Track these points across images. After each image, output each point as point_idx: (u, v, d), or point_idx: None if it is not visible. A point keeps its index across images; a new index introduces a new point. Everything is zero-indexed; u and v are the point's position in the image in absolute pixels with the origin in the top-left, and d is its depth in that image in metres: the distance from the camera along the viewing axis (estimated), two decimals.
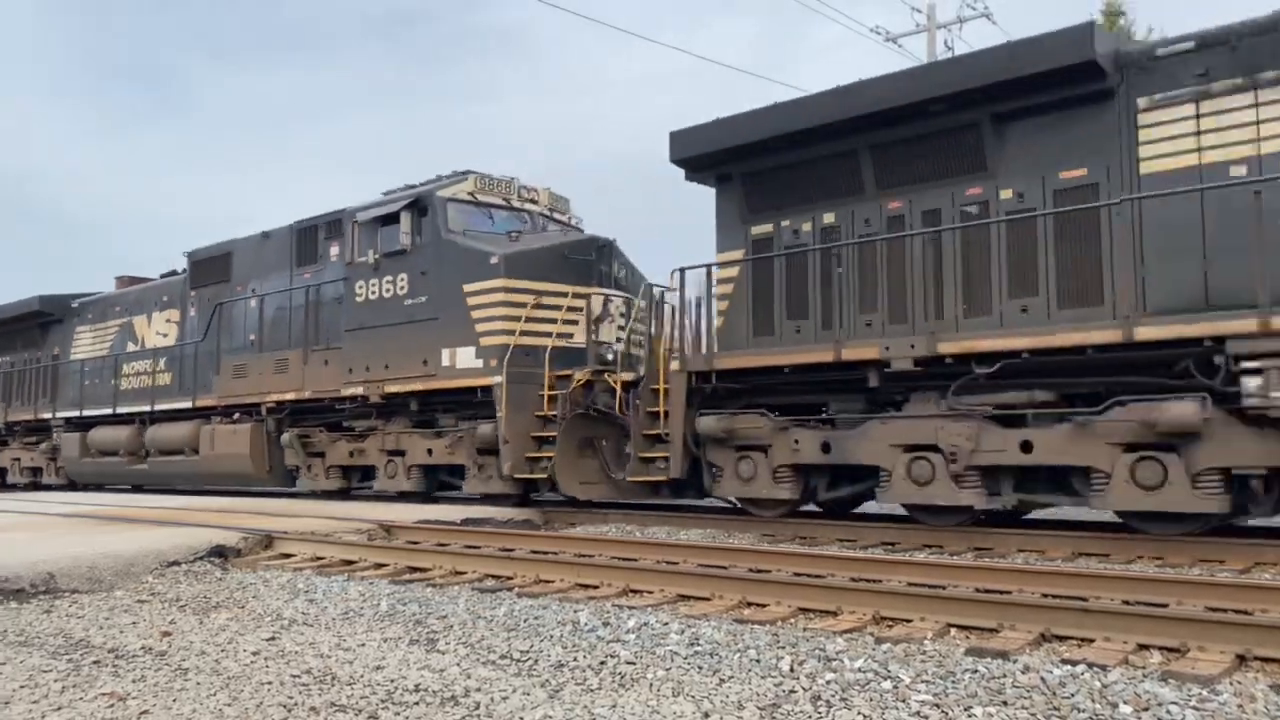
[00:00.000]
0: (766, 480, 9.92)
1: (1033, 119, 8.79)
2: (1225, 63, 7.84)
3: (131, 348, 18.02)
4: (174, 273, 17.97)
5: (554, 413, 11.45)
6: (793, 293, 10.23)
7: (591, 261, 12.61)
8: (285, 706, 3.83)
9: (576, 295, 12.15)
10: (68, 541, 8.32)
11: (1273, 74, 7.60)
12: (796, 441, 9.63)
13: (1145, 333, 7.64)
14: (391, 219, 13.09)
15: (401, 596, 6.25)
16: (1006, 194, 8.96)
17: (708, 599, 5.87)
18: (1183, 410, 7.41)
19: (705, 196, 11.13)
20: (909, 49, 27.54)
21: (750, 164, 10.46)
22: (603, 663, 4.42)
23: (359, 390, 13.36)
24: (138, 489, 18.04)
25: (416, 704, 3.83)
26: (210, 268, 16.48)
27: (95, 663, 4.65)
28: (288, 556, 8.32)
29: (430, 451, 12.88)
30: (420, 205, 12.92)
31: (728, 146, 10.41)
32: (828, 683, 3.98)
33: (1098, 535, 8.36)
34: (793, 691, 3.89)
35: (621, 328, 12.37)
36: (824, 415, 9.66)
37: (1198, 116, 7.95)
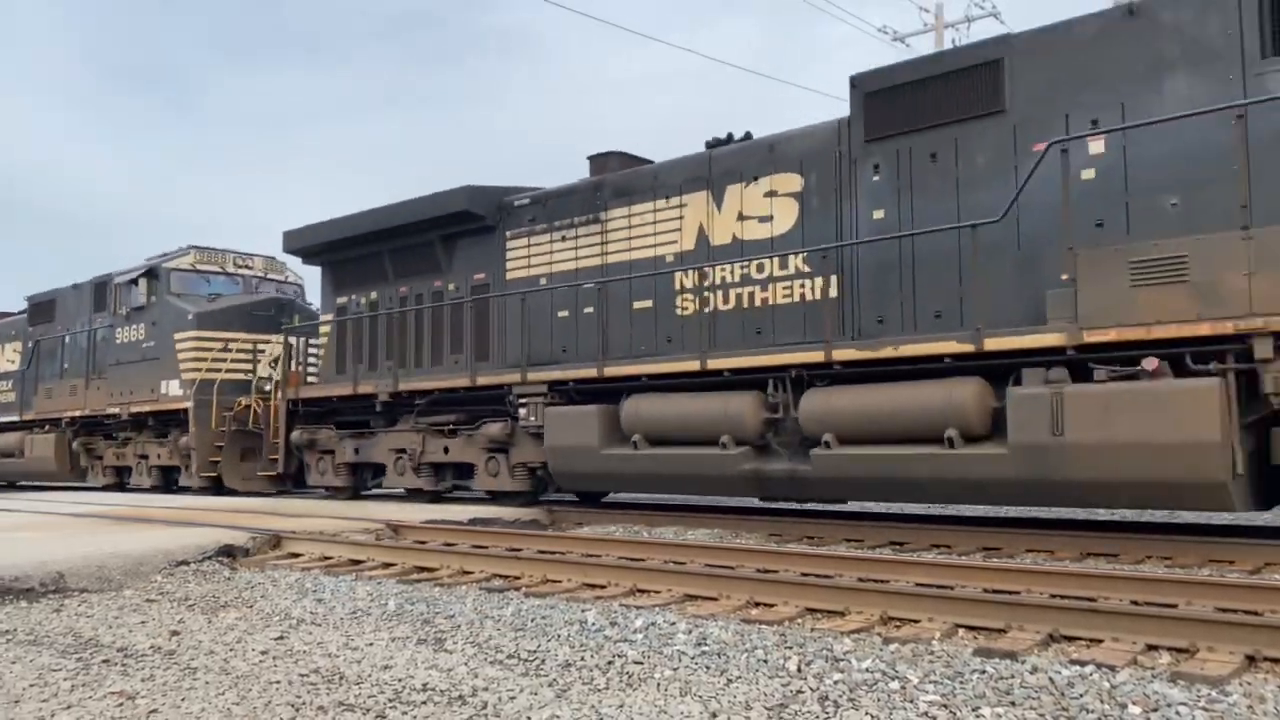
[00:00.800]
0: (332, 474, 14.27)
1: (461, 240, 13.24)
2: (541, 213, 12.33)
3: None
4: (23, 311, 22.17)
5: (223, 428, 15.63)
6: (353, 345, 14.59)
7: (273, 315, 16.75)
8: (293, 706, 3.84)
9: (257, 342, 16.45)
10: (77, 541, 8.35)
11: (560, 222, 12.11)
12: (347, 448, 13.95)
13: (482, 380, 12.17)
14: (135, 282, 17.61)
15: (409, 596, 6.26)
16: (451, 287, 13.38)
17: (715, 599, 5.87)
18: (499, 429, 11.83)
19: None
20: (917, 48, 27.49)
21: (332, 256, 14.90)
22: (610, 662, 4.42)
23: (116, 410, 17.86)
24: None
25: (424, 703, 3.84)
26: (41, 310, 20.66)
27: (104, 661, 4.66)
28: (296, 556, 8.34)
29: (160, 456, 17.48)
30: (153, 273, 17.44)
31: (318, 243, 14.87)
32: (835, 683, 3.98)
33: (1106, 535, 8.34)
34: (800, 692, 3.89)
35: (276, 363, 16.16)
36: (365, 429, 13.83)
37: (529, 245, 12.42)
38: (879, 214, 9.33)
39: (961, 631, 4.89)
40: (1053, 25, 8.44)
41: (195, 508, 12.15)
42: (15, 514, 11.93)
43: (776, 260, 9.96)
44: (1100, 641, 4.50)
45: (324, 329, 15.11)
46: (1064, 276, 7.76)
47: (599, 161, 12.42)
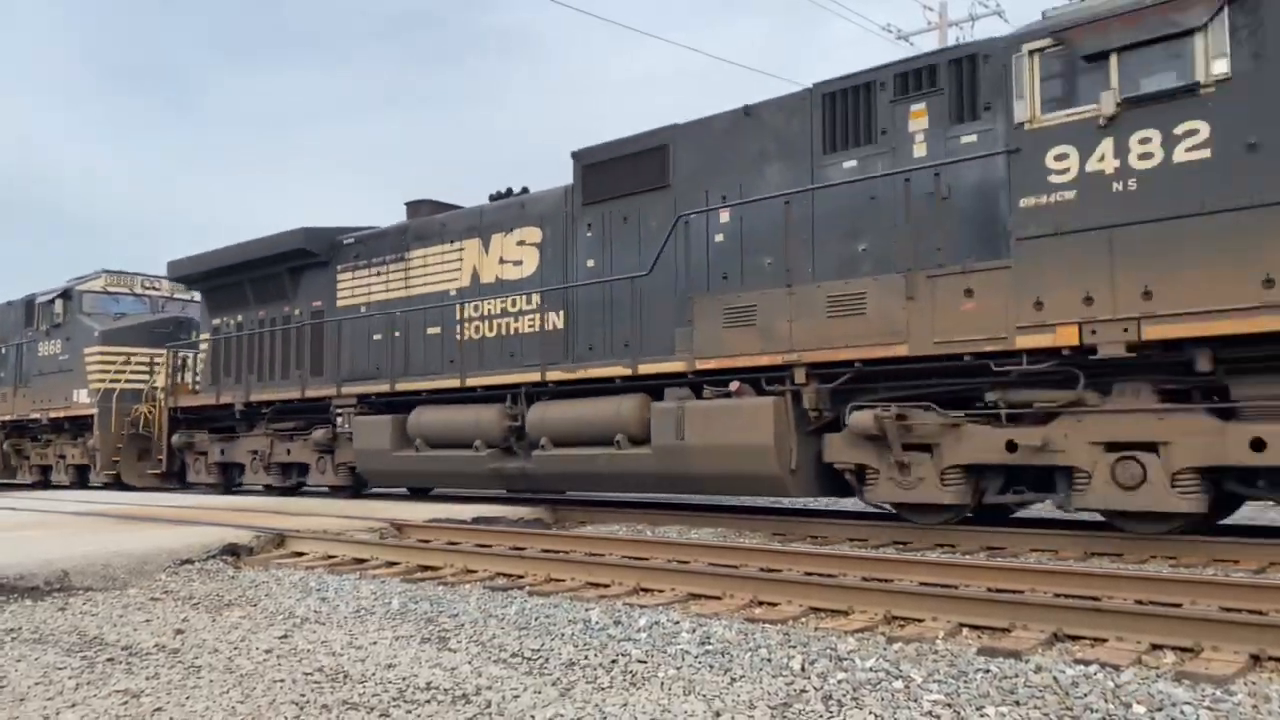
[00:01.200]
0: (205, 472, 16.73)
1: (304, 272, 15.20)
2: (363, 251, 14.36)
3: None
4: None
5: (123, 432, 17.78)
6: (224, 361, 16.52)
7: (172, 332, 18.70)
8: (297, 704, 3.84)
9: (154, 356, 18.19)
10: (81, 540, 8.37)
11: (376, 259, 14.17)
12: (215, 449, 16.37)
13: (310, 393, 14.53)
14: (53, 302, 19.85)
15: (413, 595, 6.26)
16: (296, 312, 15.30)
17: (719, 598, 5.87)
18: (323, 434, 14.15)
19: None
20: (920, 47, 27.49)
21: (208, 283, 16.94)
22: (614, 661, 4.42)
23: (38, 415, 20.30)
24: None
25: (428, 702, 3.84)
26: None
27: (109, 660, 4.67)
28: (300, 555, 8.35)
29: (74, 455, 19.59)
30: (68, 294, 19.69)
31: (196, 272, 16.94)
32: (839, 682, 3.98)
33: (1110, 535, 8.33)
34: (804, 691, 3.89)
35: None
36: (230, 434, 16.23)
37: (354, 278, 14.44)
38: (591, 263, 11.54)
39: (965, 631, 4.89)
40: (702, 119, 10.61)
41: (199, 506, 12.17)
42: (19, 513, 11.96)
43: (523, 297, 12.26)
44: (1104, 641, 4.50)
45: (203, 345, 17.26)
46: (688, 319, 10.14)
47: (413, 207, 14.57)
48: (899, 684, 3.92)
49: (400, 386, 13.19)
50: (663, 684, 4.03)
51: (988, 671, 4.04)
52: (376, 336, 13.78)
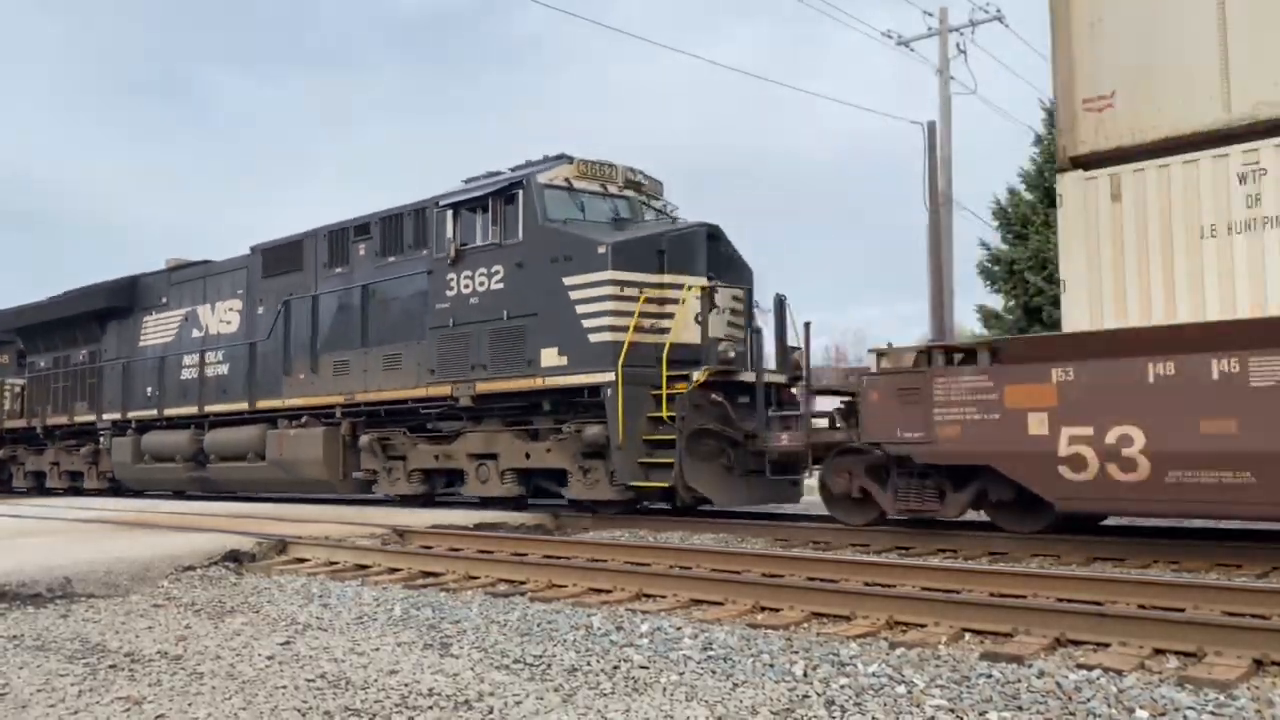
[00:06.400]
0: (21, 478, 20.76)
1: (111, 321, 18.23)
2: (155, 302, 17.36)
3: None
4: None
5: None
6: (34, 392, 20.09)
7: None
8: (300, 711, 3.84)
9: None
10: (84, 547, 8.37)
11: (162, 301, 17.34)
12: (28, 461, 20.46)
13: (79, 419, 18.73)
14: None
15: (415, 601, 6.26)
16: (86, 354, 18.74)
17: (721, 604, 5.86)
18: (89, 449, 18.47)
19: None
20: (921, 53, 27.49)
21: (24, 328, 20.38)
22: (616, 667, 4.42)
23: None
24: None
25: (430, 708, 3.84)
26: None
27: (111, 667, 4.67)
28: (302, 561, 8.34)
29: None
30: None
31: (11, 326, 20.80)
32: (841, 688, 3.97)
33: (1113, 540, 8.33)
34: (806, 696, 3.88)
35: None
36: (41, 448, 20.22)
37: (154, 319, 17.45)
38: (253, 327, 15.48)
39: (968, 636, 4.88)
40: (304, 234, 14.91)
41: (202, 513, 12.16)
42: (21, 519, 11.96)
43: (213, 352, 16.14)
44: (1107, 646, 4.49)
45: (20, 381, 20.76)
46: (300, 375, 14.33)
47: (171, 263, 17.90)
48: (902, 689, 3.92)
49: (130, 415, 17.60)
50: (665, 690, 4.03)
51: (990, 677, 4.03)
52: (143, 373, 17.60)
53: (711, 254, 11.52)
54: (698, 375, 10.58)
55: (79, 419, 18.67)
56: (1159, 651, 4.39)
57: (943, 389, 8.37)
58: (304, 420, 14.07)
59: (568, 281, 11.10)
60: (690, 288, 11.03)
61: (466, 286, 12.13)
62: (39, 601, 6.56)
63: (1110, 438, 7.44)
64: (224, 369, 15.73)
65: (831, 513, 9.89)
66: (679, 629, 5.14)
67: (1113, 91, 8.13)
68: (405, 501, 13.19)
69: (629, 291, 10.87)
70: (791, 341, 11.64)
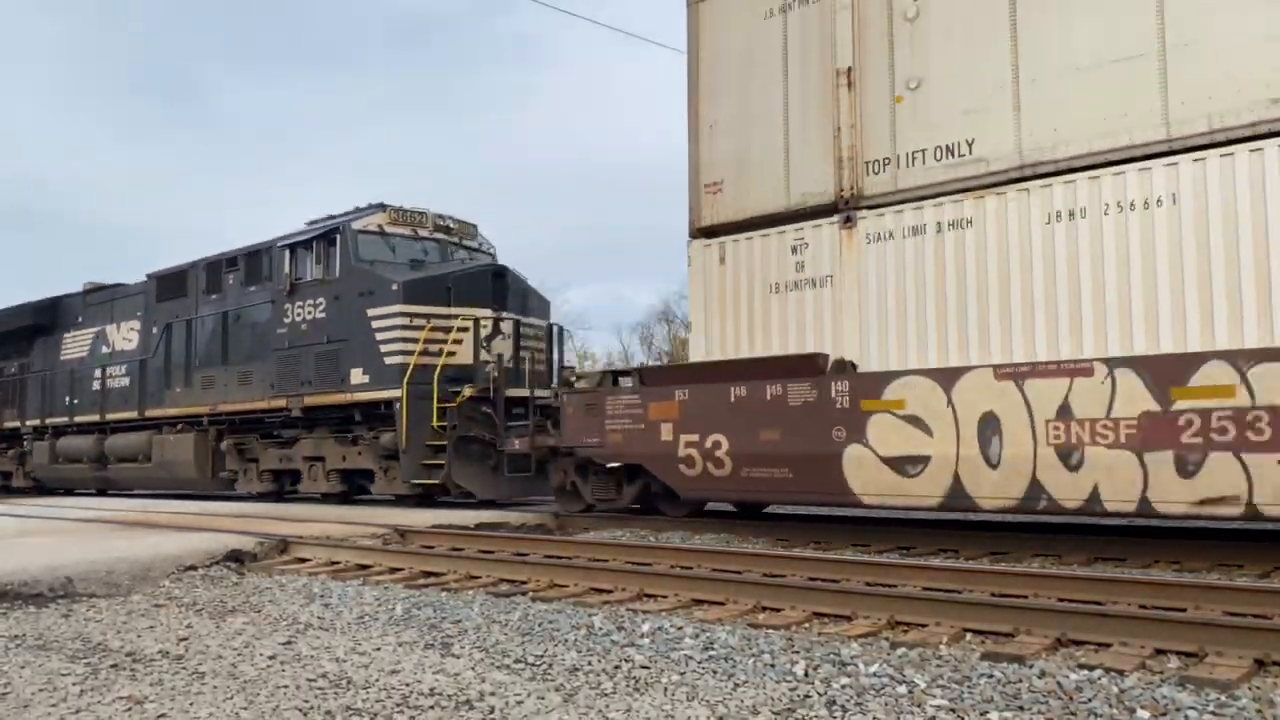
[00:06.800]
0: None
1: (38, 337, 20.15)
2: (72, 320, 19.31)
3: None
4: None
5: None
6: None
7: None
8: (301, 710, 3.85)
9: None
10: (85, 546, 8.37)
11: (79, 320, 19.22)
12: None
13: (6, 425, 20.59)
14: None
15: (416, 601, 6.26)
16: (18, 365, 20.69)
17: (722, 603, 5.86)
18: (15, 451, 20.81)
19: None
20: None
21: None
22: (617, 667, 4.42)
23: None
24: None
25: (431, 708, 3.84)
26: None
27: (113, 666, 4.68)
28: (303, 561, 8.35)
29: None
30: None
31: None
32: (843, 687, 3.97)
33: (1114, 540, 8.32)
34: (807, 696, 3.88)
35: None
36: None
37: (73, 336, 19.28)
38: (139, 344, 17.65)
39: (969, 636, 4.88)
40: (184, 266, 16.92)
41: (203, 513, 12.17)
42: (23, 519, 11.98)
43: (118, 367, 17.90)
44: (1109, 646, 4.49)
45: None
46: (178, 388, 16.51)
47: (88, 286, 19.48)
48: (903, 689, 3.92)
49: (48, 421, 19.39)
50: (666, 690, 4.03)
51: (991, 677, 4.03)
52: (61, 384, 19.29)
53: (498, 290, 13.70)
54: (466, 391, 12.67)
55: (7, 425, 20.86)
56: (1160, 651, 4.39)
57: (611, 405, 10.64)
58: (179, 427, 16.35)
59: (370, 313, 13.28)
60: (464, 318, 13.16)
61: (298, 315, 14.30)
62: (41, 601, 6.57)
63: (708, 443, 9.78)
64: (123, 381, 17.75)
65: (557, 502, 11.89)
66: (680, 629, 5.14)
67: (722, 180, 10.36)
68: (262, 497, 15.30)
69: (417, 322, 12.99)
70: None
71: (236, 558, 8.15)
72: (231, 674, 4.46)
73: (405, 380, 12.56)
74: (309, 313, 14.10)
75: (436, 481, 12.59)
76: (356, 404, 13.39)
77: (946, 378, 8.37)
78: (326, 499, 14.40)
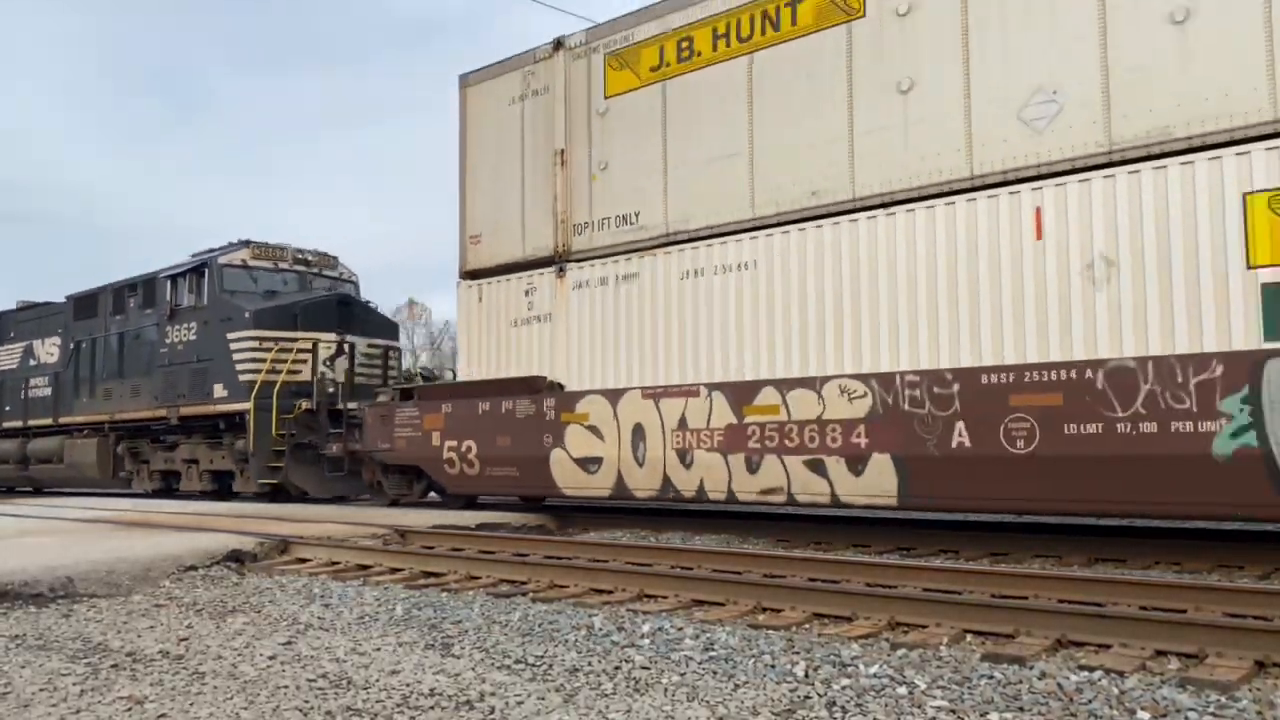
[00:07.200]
0: None
1: None
2: (4, 335, 21.13)
3: None
4: None
5: None
6: None
7: None
8: (301, 711, 3.85)
9: None
10: (86, 547, 8.37)
11: (11, 335, 20.96)
12: None
13: None
14: None
15: (416, 601, 6.26)
16: None
17: (722, 604, 5.86)
18: None
19: None
20: None
21: None
22: (617, 668, 4.42)
23: None
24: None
25: (432, 709, 3.84)
26: None
27: (113, 666, 4.68)
28: (303, 561, 8.35)
29: None
30: None
31: None
32: (843, 688, 3.97)
33: (1115, 541, 8.32)
34: (808, 697, 3.88)
35: None
36: None
37: (5, 349, 20.91)
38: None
39: (969, 637, 4.88)
40: (97, 290, 18.82)
41: (203, 513, 12.17)
42: (23, 519, 11.97)
43: (46, 376, 19.63)
44: (1109, 647, 4.49)
45: None
46: (84, 398, 18.40)
47: (20, 304, 21.16)
48: (903, 690, 3.92)
49: None
50: (666, 690, 4.03)
51: (992, 678, 4.03)
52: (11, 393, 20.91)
53: (344, 316, 15.89)
54: (302, 404, 14.64)
55: None
56: (1160, 653, 4.38)
57: (398, 416, 12.95)
58: (86, 433, 18.40)
59: (229, 337, 15.54)
60: (304, 341, 15.21)
61: (177, 337, 16.58)
62: (41, 601, 6.57)
63: (463, 448, 12.04)
64: (45, 391, 19.69)
65: (371, 497, 14.09)
66: (680, 629, 5.14)
67: (481, 233, 12.58)
68: (156, 494, 17.23)
69: (266, 344, 15.17)
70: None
71: (237, 558, 8.15)
72: (232, 674, 4.46)
73: (253, 395, 14.72)
74: (184, 335, 16.49)
75: (277, 481, 14.76)
76: (220, 415, 15.65)
77: (614, 396, 10.76)
78: (205, 496, 16.25)
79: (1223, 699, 3.69)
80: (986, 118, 8.47)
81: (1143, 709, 3.59)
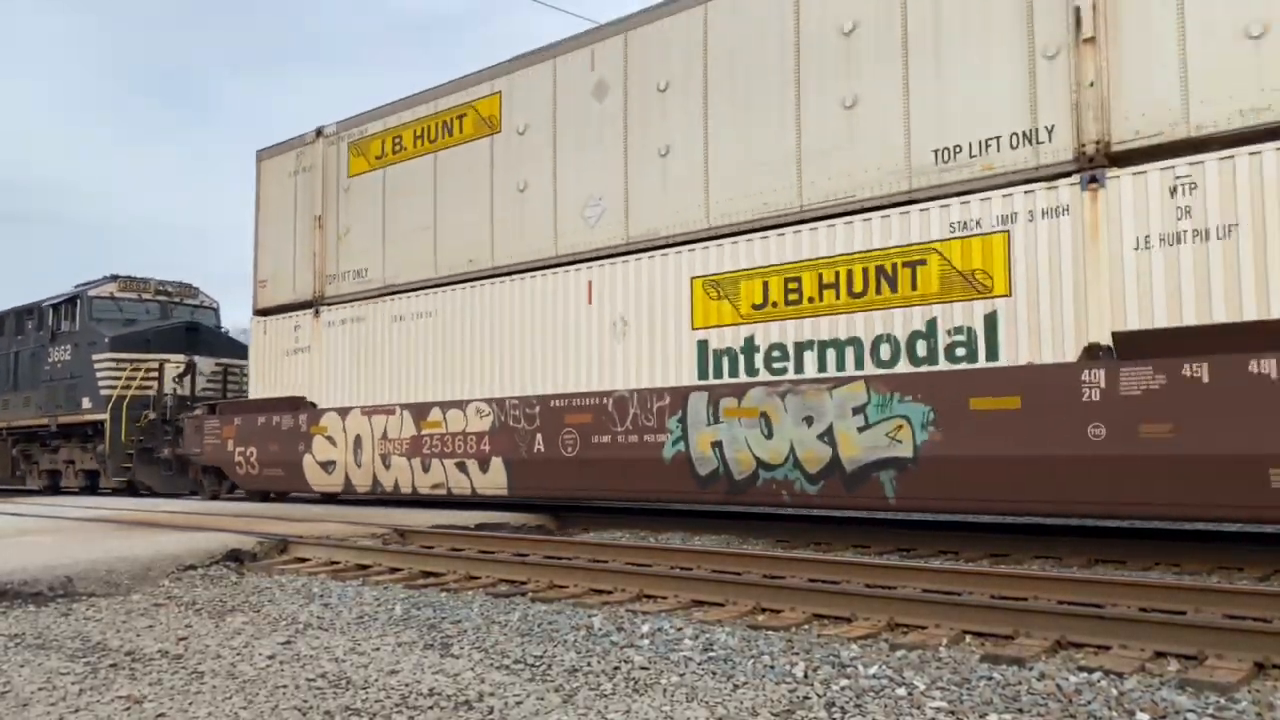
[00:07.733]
0: None
1: None
2: None
3: None
4: None
5: None
6: None
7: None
8: (300, 710, 3.84)
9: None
10: (85, 546, 8.37)
11: None
12: None
13: None
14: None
15: (416, 601, 6.26)
16: None
17: (722, 605, 5.86)
18: None
19: None
20: None
21: None
22: (617, 668, 4.42)
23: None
24: None
25: (431, 709, 3.84)
26: None
27: (112, 665, 4.68)
28: (303, 561, 8.35)
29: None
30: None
31: None
32: (842, 689, 3.97)
33: (1114, 542, 8.32)
34: (807, 698, 3.88)
35: None
36: None
37: None
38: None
39: (969, 638, 4.88)
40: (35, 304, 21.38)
41: (203, 512, 12.17)
42: (22, 518, 11.97)
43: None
44: (1108, 648, 4.49)
45: None
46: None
47: None
48: (902, 691, 3.92)
49: None
50: (665, 691, 4.03)
51: (991, 679, 4.03)
52: None
53: (191, 340, 18.95)
54: (149, 414, 17.86)
55: None
56: (1160, 654, 4.38)
57: (207, 426, 15.93)
58: None
59: (93, 358, 18.73)
60: (152, 362, 18.15)
61: (56, 356, 19.74)
62: (40, 600, 6.57)
63: (248, 452, 15.13)
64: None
65: (199, 492, 16.68)
66: (680, 630, 5.14)
67: (268, 279, 15.54)
68: (46, 491, 19.93)
69: (122, 364, 18.27)
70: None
71: (236, 557, 8.15)
72: (231, 674, 4.46)
73: (109, 407, 17.82)
74: (62, 355, 19.64)
75: (128, 479, 17.91)
76: (88, 423, 18.77)
77: (344, 413, 13.87)
78: (81, 491, 19.36)
79: (1222, 700, 3.69)
80: (565, 215, 11.67)
81: (1142, 710, 3.59)
